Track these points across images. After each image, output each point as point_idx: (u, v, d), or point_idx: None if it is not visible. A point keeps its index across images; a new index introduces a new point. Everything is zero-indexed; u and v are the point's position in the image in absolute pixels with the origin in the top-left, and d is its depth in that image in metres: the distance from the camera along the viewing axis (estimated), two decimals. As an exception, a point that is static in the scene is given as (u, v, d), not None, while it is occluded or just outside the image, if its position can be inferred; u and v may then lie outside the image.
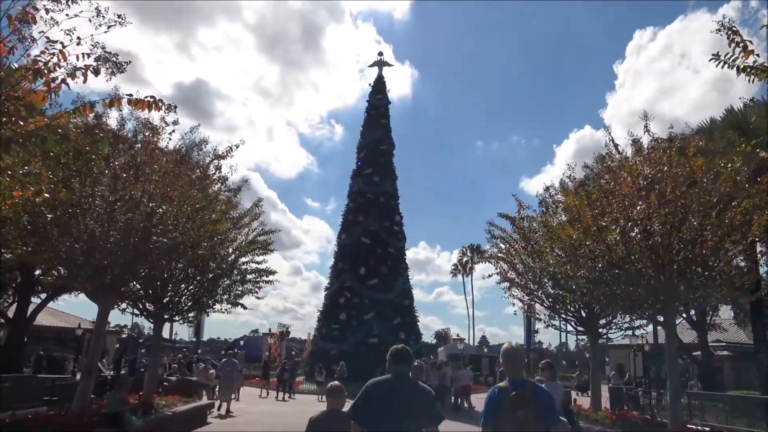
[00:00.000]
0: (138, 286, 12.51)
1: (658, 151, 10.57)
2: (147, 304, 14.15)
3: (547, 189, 15.14)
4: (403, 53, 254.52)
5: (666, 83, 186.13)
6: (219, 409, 17.11)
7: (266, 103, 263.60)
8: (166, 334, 68.11)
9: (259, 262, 15.09)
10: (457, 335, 73.78)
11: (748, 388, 32.58)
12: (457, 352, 46.08)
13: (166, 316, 14.47)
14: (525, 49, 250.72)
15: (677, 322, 30.17)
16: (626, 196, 10.94)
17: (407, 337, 35.29)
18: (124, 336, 67.49)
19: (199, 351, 54.21)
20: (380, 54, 42.69)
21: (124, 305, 13.88)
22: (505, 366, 4.35)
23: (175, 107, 6.00)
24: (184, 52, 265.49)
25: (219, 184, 12.42)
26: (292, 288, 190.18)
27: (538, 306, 16.28)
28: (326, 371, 29.48)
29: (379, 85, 41.18)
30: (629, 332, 22.21)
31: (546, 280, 14.08)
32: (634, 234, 10.50)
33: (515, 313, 15.37)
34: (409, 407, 4.05)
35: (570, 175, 12.11)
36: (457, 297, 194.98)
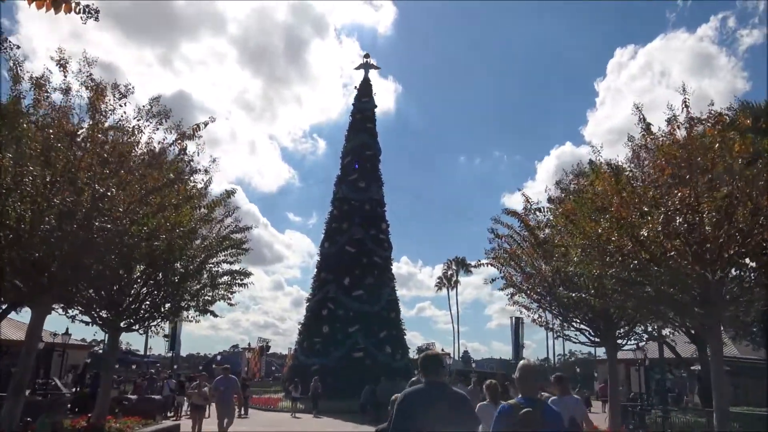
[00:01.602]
0: (85, 286, 10.51)
1: (706, 127, 8.96)
2: (101, 311, 12.22)
3: (558, 183, 13.46)
4: (386, 68, 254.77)
5: (645, 101, 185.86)
6: None
7: (249, 117, 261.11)
8: (140, 347, 65.04)
9: (231, 262, 13.20)
10: (442, 350, 72.07)
11: (746, 404, 31.20)
12: (445, 366, 44.28)
13: (123, 325, 12.52)
14: (508, 65, 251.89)
15: (673, 335, 28.55)
16: (663, 181, 9.37)
17: (394, 352, 33.35)
18: (100, 351, 64.47)
19: (175, 366, 51.71)
20: (366, 56, 40.96)
21: (74, 311, 11.95)
22: (518, 383, 4.33)
23: (97, 12, 4.20)
24: (167, 65, 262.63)
25: (182, 165, 10.41)
26: (273, 303, 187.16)
27: (546, 314, 14.53)
28: (302, 387, 27.92)
29: (365, 88, 39.38)
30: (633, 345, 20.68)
31: (558, 283, 12.34)
32: (677, 224, 8.83)
33: (522, 322, 13.59)
34: (447, 416, 3.92)
35: (596, 158, 10.39)
36: (439, 312, 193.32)
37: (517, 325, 53.95)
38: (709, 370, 31.29)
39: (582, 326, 13.41)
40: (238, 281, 13.24)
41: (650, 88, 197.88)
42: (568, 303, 12.40)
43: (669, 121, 9.96)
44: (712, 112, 9.74)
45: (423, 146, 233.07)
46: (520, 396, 4.22)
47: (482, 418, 7.76)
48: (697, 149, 9.13)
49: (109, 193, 8.77)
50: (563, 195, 12.02)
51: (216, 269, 13.23)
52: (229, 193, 11.61)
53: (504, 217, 14.31)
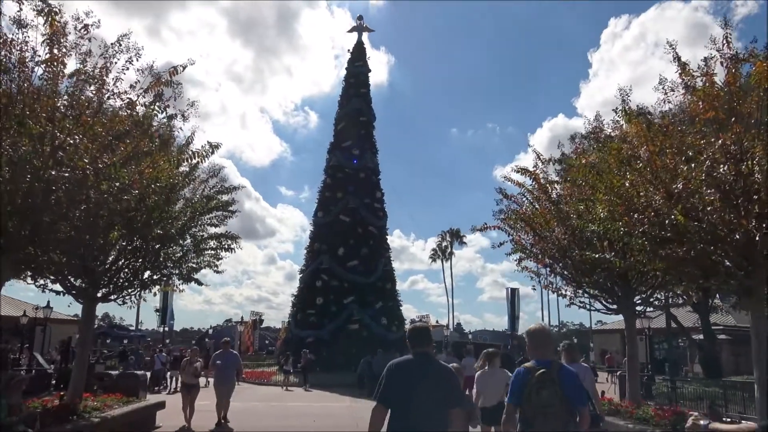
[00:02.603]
0: (51, 249, 9.31)
1: (757, 60, 7.86)
2: (75, 280, 11.13)
3: (572, 138, 12.36)
4: (379, 40, 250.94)
5: (639, 73, 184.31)
6: (189, 418, 12.79)
7: (239, 89, 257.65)
8: (132, 321, 64.05)
9: (217, 225, 12.07)
10: (437, 321, 71.77)
11: (748, 374, 30.72)
12: (441, 338, 43.67)
13: (99, 295, 11.42)
14: (501, 35, 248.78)
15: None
16: (698, 128, 8.33)
17: (390, 324, 32.54)
18: (94, 326, 63.50)
19: (167, 341, 50.92)
20: (360, 18, 39.20)
21: (43, 281, 10.83)
22: (531, 346, 4.32)
23: None
24: (155, 36, 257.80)
25: (158, 110, 9.07)
26: (266, 277, 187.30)
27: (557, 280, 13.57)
28: (294, 360, 27.20)
29: (359, 52, 37.72)
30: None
31: (574, 245, 11.28)
32: (721, 173, 7.77)
33: (534, 288, 12.63)
34: (432, 388, 3.94)
35: (624, 100, 9.21)
36: (432, 285, 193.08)
37: (513, 296, 53.44)
38: (711, 339, 30.69)
39: (597, 293, 12.43)
40: (225, 246, 12.13)
41: (643, 59, 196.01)
42: (585, 266, 11.38)
43: (706, 61, 8.85)
44: (755, 50, 8.68)
45: (415, 118, 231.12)
46: (534, 359, 4.20)
47: (481, 384, 8.12)
48: (738, 91, 8.07)
49: (71, 141, 7.58)
50: (581, 148, 10.90)
51: (201, 234, 12.13)
52: (213, 146, 10.34)
53: (506, 181, 13.28)
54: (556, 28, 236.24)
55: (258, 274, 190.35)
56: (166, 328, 51.29)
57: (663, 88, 9.20)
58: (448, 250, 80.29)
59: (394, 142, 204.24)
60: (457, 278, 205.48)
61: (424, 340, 4.23)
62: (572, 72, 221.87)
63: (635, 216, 8.82)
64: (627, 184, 8.99)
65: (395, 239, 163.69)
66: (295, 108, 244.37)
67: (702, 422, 3.83)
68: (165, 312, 47.54)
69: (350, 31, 39.31)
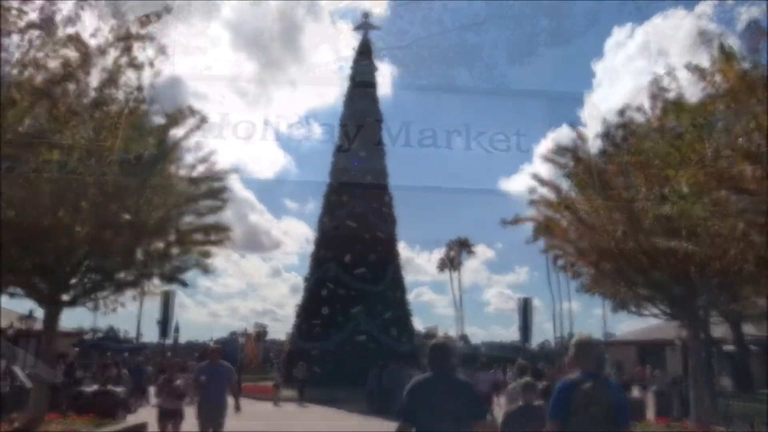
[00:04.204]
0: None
1: None
2: (38, 281, 9.39)
3: (621, 113, 10.53)
4: (382, 51, 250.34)
5: (643, 82, 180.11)
6: None
7: (243, 102, 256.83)
8: (133, 333, 62.21)
9: (204, 214, 10.26)
10: (445, 334, 69.63)
11: (782, 387, 28.65)
12: (452, 355, 41.66)
13: (65, 299, 9.65)
14: (504, 44, 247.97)
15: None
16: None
17: (399, 335, 30.56)
18: (95, 338, 61.35)
19: (169, 354, 49.11)
20: (365, 16, 37.55)
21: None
22: (576, 358, 4.11)
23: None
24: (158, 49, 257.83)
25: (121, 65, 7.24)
26: (271, 290, 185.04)
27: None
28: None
29: (365, 50, 36.13)
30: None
31: (629, 236, 9.38)
32: None
33: (577, 291, 10.85)
34: (453, 404, 4.03)
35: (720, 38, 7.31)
36: (437, 296, 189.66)
37: (525, 306, 51.37)
38: (745, 351, 28.61)
39: (653, 294, 10.52)
40: (214, 238, 10.28)
41: (647, 68, 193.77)
42: (642, 261, 9.45)
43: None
44: None
45: (419, 130, 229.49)
46: (579, 372, 3.97)
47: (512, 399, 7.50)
48: None
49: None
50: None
51: (186, 226, 10.33)
52: (202, 119, 8.38)
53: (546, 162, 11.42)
54: (560, 37, 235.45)
55: (263, 286, 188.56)
56: (169, 341, 49.45)
57: (750, 33, 7.39)
58: (456, 259, 78.36)
59: (396, 155, 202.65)
60: (462, 290, 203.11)
61: (442, 357, 4.29)
62: (577, 82, 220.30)
63: (722, 192, 6.98)
64: (709, 153, 7.17)
65: (400, 250, 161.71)
66: (299, 120, 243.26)
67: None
68: (165, 323, 45.63)
69: (356, 29, 37.71)
